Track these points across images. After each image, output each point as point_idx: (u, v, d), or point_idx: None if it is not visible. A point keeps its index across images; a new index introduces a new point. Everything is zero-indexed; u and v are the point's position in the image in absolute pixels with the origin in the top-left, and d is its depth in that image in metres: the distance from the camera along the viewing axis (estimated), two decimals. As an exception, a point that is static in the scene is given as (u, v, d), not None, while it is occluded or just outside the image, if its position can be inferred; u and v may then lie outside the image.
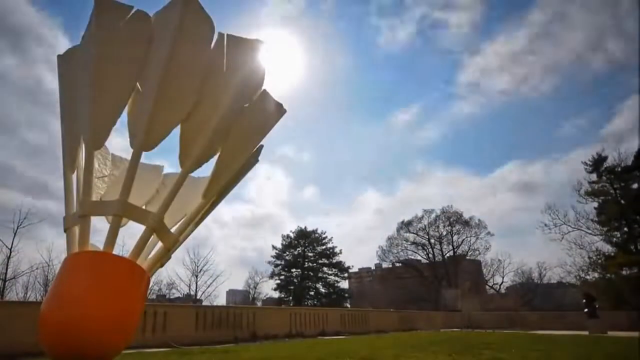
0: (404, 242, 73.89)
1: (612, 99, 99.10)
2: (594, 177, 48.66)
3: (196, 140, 6.88)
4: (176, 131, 6.94)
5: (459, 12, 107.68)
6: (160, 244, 6.62)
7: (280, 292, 69.88)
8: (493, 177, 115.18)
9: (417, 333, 26.69)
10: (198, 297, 59.70)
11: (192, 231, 7.55)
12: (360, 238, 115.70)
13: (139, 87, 7.01)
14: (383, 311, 36.57)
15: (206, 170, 7.65)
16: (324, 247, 71.08)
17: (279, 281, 70.17)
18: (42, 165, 77.69)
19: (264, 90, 7.91)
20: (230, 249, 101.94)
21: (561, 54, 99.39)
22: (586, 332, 24.31)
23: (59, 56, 7.93)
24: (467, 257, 71.24)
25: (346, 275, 74.22)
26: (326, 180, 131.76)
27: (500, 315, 39.01)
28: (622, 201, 45.23)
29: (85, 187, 6.23)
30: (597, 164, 47.99)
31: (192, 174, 7.47)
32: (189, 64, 7.07)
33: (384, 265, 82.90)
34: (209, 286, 60.22)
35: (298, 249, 71.27)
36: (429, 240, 72.04)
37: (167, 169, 9.12)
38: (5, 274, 40.54)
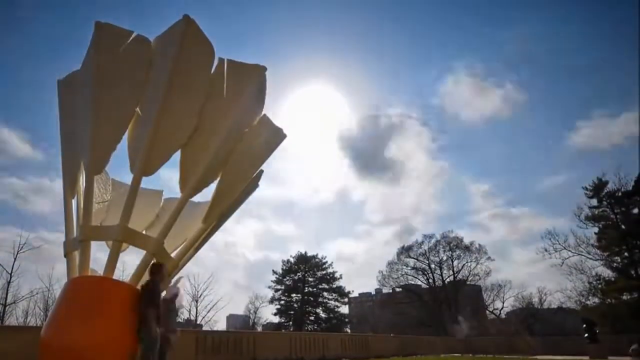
0: (404, 267, 73.04)
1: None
2: (594, 202, 48.54)
3: (196, 165, 6.87)
4: (176, 156, 6.96)
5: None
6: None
7: (281, 317, 69.10)
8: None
9: (417, 358, 26.41)
10: (198, 322, 59.05)
11: (192, 256, 7.54)
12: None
13: (139, 111, 7.00)
14: (383, 336, 36.23)
15: (206, 194, 7.67)
16: (324, 272, 70.55)
17: (279, 306, 69.44)
18: None
19: (264, 115, 7.91)
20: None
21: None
22: (587, 357, 24.10)
23: (59, 81, 7.88)
24: (468, 282, 70.55)
25: (346, 300, 73.59)
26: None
27: (501, 340, 38.64)
28: (623, 226, 45.05)
29: (85, 212, 6.24)
30: (597, 189, 47.83)
31: (192, 199, 7.48)
32: (188, 89, 7.05)
33: (384, 290, 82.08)
34: (209, 311, 59.63)
35: (298, 273, 70.62)
36: (429, 265, 71.24)
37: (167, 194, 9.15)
38: (5, 298, 40.12)
